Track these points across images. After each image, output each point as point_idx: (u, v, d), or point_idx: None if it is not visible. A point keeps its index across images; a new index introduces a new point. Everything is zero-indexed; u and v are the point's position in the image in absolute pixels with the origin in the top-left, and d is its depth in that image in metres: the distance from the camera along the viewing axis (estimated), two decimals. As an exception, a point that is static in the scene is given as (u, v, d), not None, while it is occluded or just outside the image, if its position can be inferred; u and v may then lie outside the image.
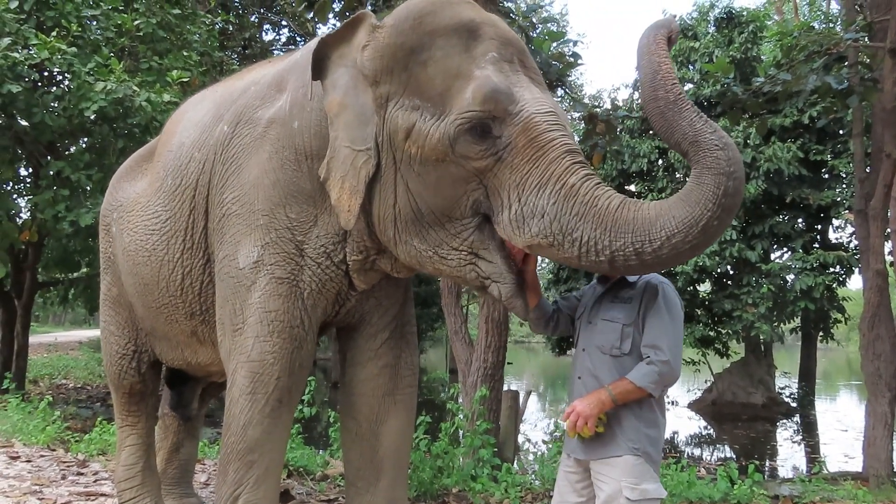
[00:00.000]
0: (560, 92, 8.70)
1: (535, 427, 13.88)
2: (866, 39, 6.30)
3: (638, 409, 2.31)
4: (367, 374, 2.65)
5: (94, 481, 4.66)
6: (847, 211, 13.37)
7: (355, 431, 2.67)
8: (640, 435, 2.30)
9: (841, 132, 13.49)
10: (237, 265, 2.45)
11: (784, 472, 10.05)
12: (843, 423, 14.30)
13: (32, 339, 13.33)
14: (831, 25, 12.53)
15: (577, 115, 19.74)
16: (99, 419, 6.51)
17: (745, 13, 15.10)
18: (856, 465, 8.53)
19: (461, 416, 5.42)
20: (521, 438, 8.19)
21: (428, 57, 2.09)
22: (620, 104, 16.33)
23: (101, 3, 8.82)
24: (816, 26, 13.78)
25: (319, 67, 2.27)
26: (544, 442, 8.45)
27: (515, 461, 6.15)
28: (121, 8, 9.22)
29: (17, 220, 9.30)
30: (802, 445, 12.22)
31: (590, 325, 2.45)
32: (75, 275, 12.09)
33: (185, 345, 3.04)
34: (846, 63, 6.59)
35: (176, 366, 3.30)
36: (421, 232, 2.16)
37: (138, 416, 3.46)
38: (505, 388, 6.16)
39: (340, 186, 2.20)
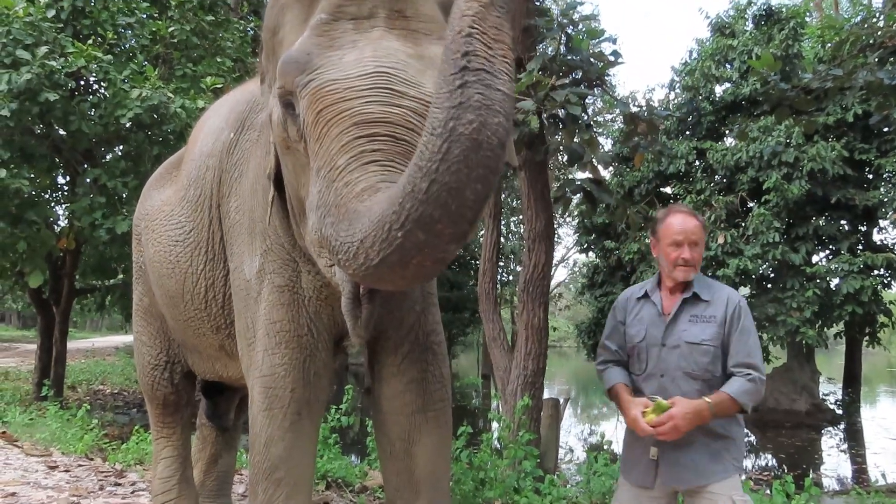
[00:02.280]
0: (597, 92, 8.52)
1: (570, 433, 13.67)
2: (922, 32, 6.03)
3: (738, 426, 2.37)
4: (393, 390, 2.44)
5: (132, 492, 4.61)
6: (895, 212, 12.96)
7: (389, 451, 2.49)
8: (741, 452, 2.37)
9: (887, 130, 13.07)
10: (245, 276, 2.36)
11: (829, 482, 9.72)
12: (890, 431, 13.85)
13: (70, 345, 13.50)
14: (875, 20, 12.17)
15: (609, 116, 19.57)
16: (136, 427, 6.49)
17: (784, 9, 14.75)
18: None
19: (500, 426, 5.28)
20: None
21: (283, 36, 1.93)
22: (656, 105, 16.09)
23: (136, 11, 8.88)
24: (861, 19, 13.40)
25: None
26: (585, 451, 8.25)
27: (557, 472, 5.98)
28: (155, 15, 9.28)
29: (55, 227, 9.39)
30: (849, 455, 11.83)
31: (665, 348, 2.36)
32: (112, 281, 12.20)
33: (215, 358, 2.95)
34: (901, 57, 6.32)
35: (210, 378, 3.21)
36: (305, 225, 1.94)
37: (173, 427, 3.38)
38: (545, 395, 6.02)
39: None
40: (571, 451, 11.33)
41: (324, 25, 1.75)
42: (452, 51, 1.23)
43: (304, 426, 2.27)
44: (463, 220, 1.30)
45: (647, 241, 12.78)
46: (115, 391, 14.18)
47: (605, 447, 5.77)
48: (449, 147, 1.22)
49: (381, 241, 1.33)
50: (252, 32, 12.51)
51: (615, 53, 5.60)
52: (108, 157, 9.28)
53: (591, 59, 5.33)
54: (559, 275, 30.67)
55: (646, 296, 2.49)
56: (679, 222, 2.41)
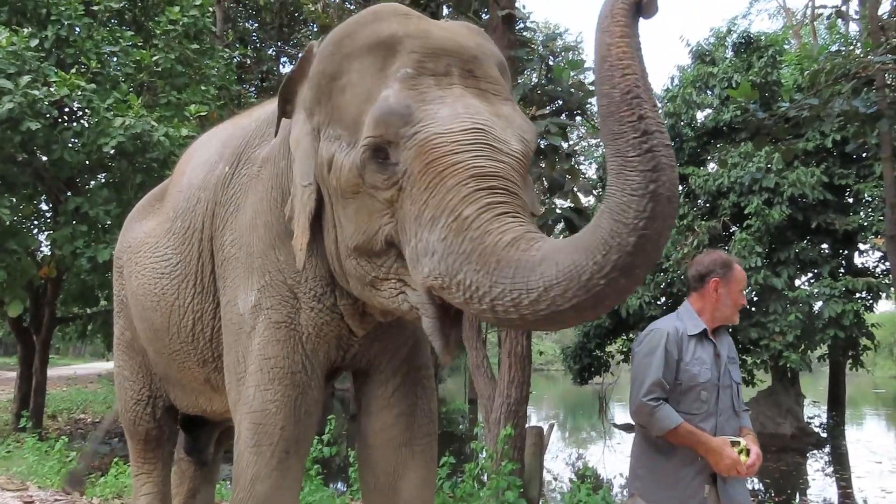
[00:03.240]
0: (579, 120, 8.62)
1: (557, 458, 13.60)
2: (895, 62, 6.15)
3: None
4: (382, 424, 2.46)
5: (109, 527, 4.53)
6: (875, 236, 13.10)
7: (373, 484, 2.49)
8: None
9: (865, 155, 13.27)
10: (238, 310, 2.34)
11: (818, 507, 9.71)
12: (876, 453, 13.87)
13: (52, 373, 13.33)
14: (851, 48, 12.42)
15: (593, 141, 19.75)
16: (115, 458, 6.40)
17: (763, 38, 15.01)
18: (895, 500, 8.22)
19: (484, 455, 5.25)
20: (544, 474, 7.96)
21: (347, 82, 1.93)
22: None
23: (121, 40, 8.91)
24: (836, 49, 13.65)
25: (284, 106, 2.17)
26: (570, 479, 8.21)
27: (541, 501, 5.94)
28: (139, 44, 9.30)
29: (37, 255, 9.32)
30: (835, 479, 11.83)
31: (727, 388, 2.54)
32: (94, 309, 12.10)
33: (199, 392, 2.92)
34: (874, 86, 6.44)
35: (192, 412, 3.18)
36: (357, 266, 2.00)
37: (154, 463, 3.34)
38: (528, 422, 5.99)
39: (296, 225, 2.09)
40: (556, 478, 11.26)
41: (411, 80, 1.81)
42: (628, 114, 1.38)
43: (291, 465, 2.26)
44: (654, 262, 1.51)
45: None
46: (97, 420, 13.97)
47: (589, 475, 5.73)
48: (653, 206, 1.38)
49: (575, 289, 1.45)
50: (237, 60, 12.56)
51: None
52: (90, 185, 9.25)
53: (572, 90, 5.40)
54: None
55: (702, 336, 2.57)
56: (743, 272, 2.68)
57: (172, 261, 2.76)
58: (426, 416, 2.51)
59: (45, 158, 8.27)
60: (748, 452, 2.44)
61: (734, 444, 2.44)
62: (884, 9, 7.83)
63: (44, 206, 10.12)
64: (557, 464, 12.98)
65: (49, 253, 8.98)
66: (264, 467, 2.20)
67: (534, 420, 16.53)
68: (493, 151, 1.70)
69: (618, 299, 1.56)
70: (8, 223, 7.93)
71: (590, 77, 5.72)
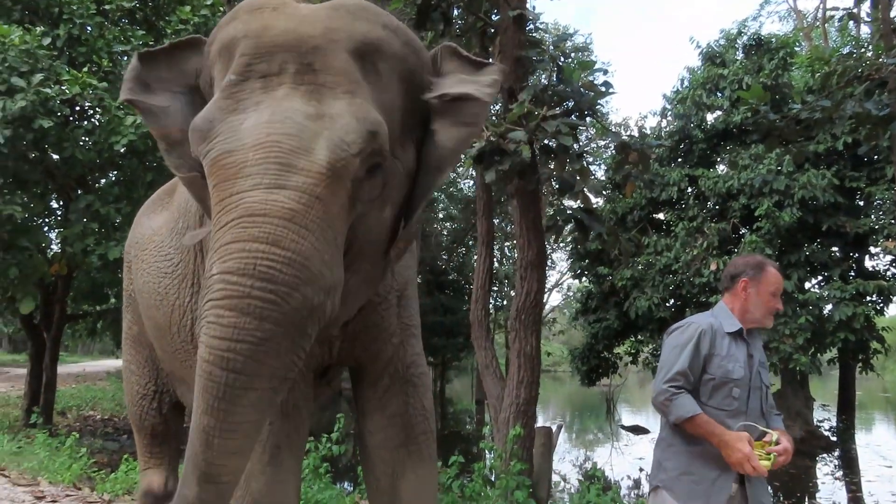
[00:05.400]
0: (589, 120, 8.59)
1: (564, 460, 13.57)
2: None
3: None
4: (376, 425, 2.44)
5: (119, 523, 4.55)
6: (886, 239, 13.01)
7: (375, 486, 2.47)
8: None
9: (876, 158, 13.18)
10: None
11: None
12: (886, 458, 13.79)
13: (61, 370, 13.40)
14: (863, 50, 12.33)
15: (602, 143, 19.71)
16: (125, 455, 6.42)
17: (774, 39, 14.93)
18: (905, 505, 8.16)
19: (493, 455, 5.25)
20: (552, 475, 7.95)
21: (213, 89, 1.86)
22: (648, 132, 16.22)
23: (132, 39, 8.95)
24: (848, 51, 13.57)
25: (130, 88, 2.04)
26: (579, 480, 8.19)
27: (550, 502, 5.93)
28: (151, 42, 9.33)
29: (48, 253, 9.36)
30: (845, 483, 11.77)
31: (757, 389, 2.56)
32: (103, 307, 12.16)
33: None
34: (887, 89, 6.40)
35: None
36: None
37: (161, 457, 3.37)
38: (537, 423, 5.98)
39: None
40: (565, 479, 11.25)
41: (232, 87, 1.69)
42: None
43: (284, 460, 2.25)
44: None
45: (639, 267, 12.70)
46: (106, 417, 14.04)
47: (598, 476, 5.71)
48: None
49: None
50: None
51: (606, 84, 5.66)
52: (101, 183, 9.30)
53: (583, 90, 5.39)
54: (553, 300, 30.64)
55: (738, 334, 2.58)
56: (778, 275, 2.64)
57: (174, 260, 2.78)
58: (420, 414, 2.48)
59: (56, 156, 8.33)
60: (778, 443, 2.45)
61: (763, 435, 2.44)
62: (897, 10, 7.78)
63: (55, 204, 10.17)
64: (565, 465, 12.96)
65: (60, 250, 9.03)
66: (257, 464, 2.19)
67: (541, 422, 16.48)
68: (277, 175, 1.54)
69: None
70: (19, 220, 7.98)
71: (600, 78, 5.70)
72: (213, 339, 1.45)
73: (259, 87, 1.68)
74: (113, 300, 11.54)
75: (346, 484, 7.94)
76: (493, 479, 5.25)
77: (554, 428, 7.28)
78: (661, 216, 15.41)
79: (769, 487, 2.62)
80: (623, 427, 18.02)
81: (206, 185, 1.74)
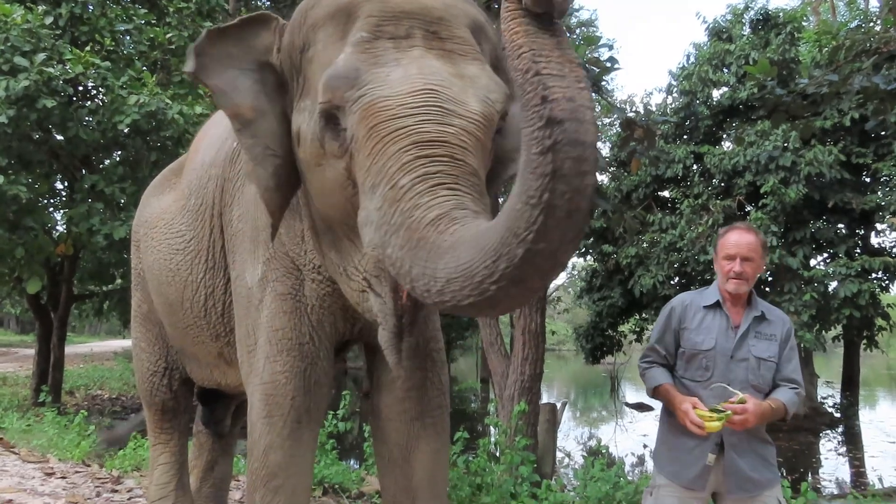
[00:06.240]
0: (594, 97, 8.53)
1: (568, 437, 13.66)
2: (917, 37, 6.05)
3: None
4: (394, 397, 2.48)
5: (129, 499, 4.61)
6: (892, 215, 12.96)
7: (387, 458, 2.52)
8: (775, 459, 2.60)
9: (883, 133, 13.08)
10: (246, 284, 2.37)
11: (830, 486, 9.72)
12: (889, 434, 13.85)
13: (68, 350, 13.50)
14: (871, 24, 12.18)
15: (607, 120, 19.60)
16: (133, 433, 6.48)
17: (781, 14, 14.77)
18: (909, 480, 8.21)
19: (498, 431, 5.28)
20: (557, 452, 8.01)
21: (313, 53, 1.89)
22: (653, 109, 16.12)
23: (134, 18, 8.92)
24: (856, 25, 13.42)
25: (199, 65, 2.04)
26: (583, 456, 8.26)
27: (554, 477, 5.98)
28: (153, 21, 9.30)
29: (53, 233, 9.40)
30: (848, 458, 11.84)
31: (734, 360, 2.51)
32: (110, 287, 12.23)
33: (213, 366, 2.96)
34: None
35: (207, 385, 3.22)
36: (335, 243, 1.97)
37: (171, 433, 3.40)
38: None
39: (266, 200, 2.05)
40: (569, 455, 11.33)
41: (365, 43, 1.74)
42: (531, 96, 1.19)
43: (303, 434, 2.28)
44: (553, 275, 1.38)
45: (644, 245, 12.71)
46: (114, 396, 14.17)
47: (603, 452, 5.75)
48: (545, 219, 1.21)
49: (471, 288, 1.34)
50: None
51: (611, 59, 5.61)
52: (105, 163, 9.31)
53: (588, 66, 5.35)
54: (558, 278, 30.67)
55: (717, 305, 2.59)
56: (735, 237, 2.57)
57: (186, 237, 2.79)
58: (437, 388, 2.51)
59: (60, 137, 8.32)
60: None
61: (731, 397, 2.38)
62: (906, -17, 7.68)
63: (59, 185, 10.18)
64: (569, 442, 13.06)
65: (65, 230, 9.05)
66: (276, 437, 2.23)
67: (545, 400, 16.58)
68: (443, 115, 1.60)
69: (514, 305, 1.49)
70: (24, 201, 8.00)
71: (605, 54, 5.65)
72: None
73: (391, 46, 1.73)
74: (119, 280, 11.60)
75: (351, 461, 8.02)
76: (497, 454, 5.29)
77: (558, 405, 7.33)
78: (666, 193, 15.38)
79: (772, 462, 2.57)
80: (627, 404, 18.10)
81: (285, 164, 1.94)
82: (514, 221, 1.25)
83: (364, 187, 1.64)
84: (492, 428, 5.37)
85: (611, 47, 6.91)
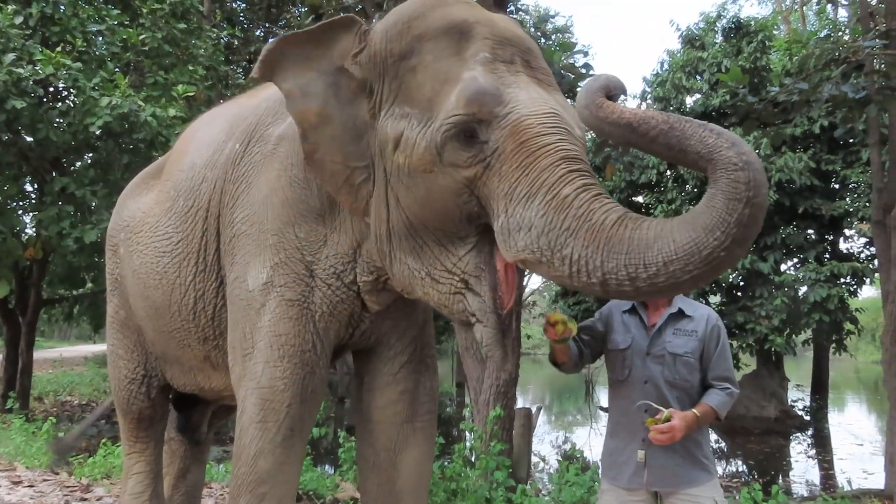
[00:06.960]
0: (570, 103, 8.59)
1: (544, 441, 13.69)
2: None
3: (705, 429, 2.54)
4: (386, 400, 2.51)
5: (99, 507, 4.53)
6: (861, 221, 13.22)
7: (373, 461, 2.53)
8: (711, 454, 2.58)
9: (852, 141, 13.35)
10: (247, 287, 2.34)
11: (799, 488, 9.85)
12: (857, 436, 14.08)
13: (37, 355, 13.27)
14: (840, 34, 12.43)
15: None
16: (103, 439, 6.39)
17: (753, 23, 15.01)
18: (876, 482, 8.34)
19: (474, 435, 5.28)
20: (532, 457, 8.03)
21: (418, 62, 1.95)
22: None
23: (107, 18, 8.80)
24: (826, 34, 13.67)
25: (273, 67, 2.12)
26: (558, 461, 8.29)
27: (529, 482, 5.99)
28: (126, 22, 9.19)
29: (22, 236, 9.23)
30: (818, 461, 12.01)
31: (650, 357, 2.51)
32: (80, 291, 12.03)
33: (197, 370, 2.92)
34: (864, 72, 6.46)
35: (188, 391, 3.17)
36: (416, 249, 2.02)
37: (147, 442, 3.35)
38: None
39: (347, 205, 2.16)
40: (544, 460, 11.36)
41: (490, 64, 1.90)
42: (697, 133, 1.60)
43: (294, 443, 2.28)
44: (758, 230, 1.64)
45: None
46: (84, 402, 13.93)
47: (577, 456, 5.78)
48: (755, 175, 1.55)
49: (696, 262, 1.59)
50: (225, 40, 12.41)
51: (587, 66, 5.68)
52: (76, 165, 9.16)
53: (563, 72, 5.39)
54: (533, 283, 30.74)
55: (633, 309, 2.62)
56: None
57: (174, 239, 2.75)
58: (428, 394, 2.57)
59: (30, 138, 8.18)
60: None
61: (656, 413, 2.37)
62: (873, -6, 7.85)
63: (29, 187, 10.01)
64: (544, 446, 13.07)
65: (35, 234, 8.90)
66: (269, 443, 2.22)
67: (520, 404, 16.59)
68: (569, 136, 1.82)
69: (730, 267, 1.76)
70: (-7, 203, 7.86)
71: (580, 60, 5.71)
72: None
73: (505, 69, 1.92)
74: (90, 284, 11.41)
75: (326, 466, 7.97)
76: (473, 459, 5.29)
77: (534, 409, 7.35)
78: (640, 199, 15.53)
79: (703, 460, 2.51)
80: (602, 409, 18.19)
81: (346, 166, 2.07)
82: (733, 190, 1.55)
83: (512, 195, 1.78)
84: (467, 433, 5.37)
85: (586, 53, 7.00)
